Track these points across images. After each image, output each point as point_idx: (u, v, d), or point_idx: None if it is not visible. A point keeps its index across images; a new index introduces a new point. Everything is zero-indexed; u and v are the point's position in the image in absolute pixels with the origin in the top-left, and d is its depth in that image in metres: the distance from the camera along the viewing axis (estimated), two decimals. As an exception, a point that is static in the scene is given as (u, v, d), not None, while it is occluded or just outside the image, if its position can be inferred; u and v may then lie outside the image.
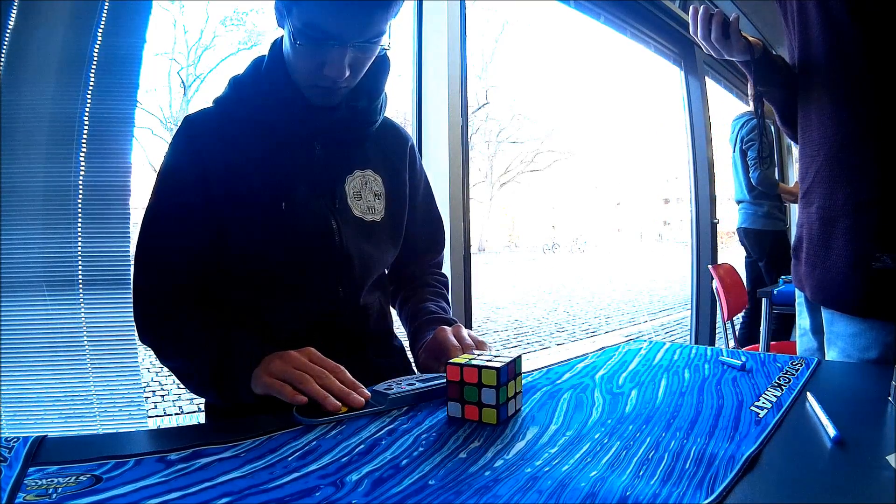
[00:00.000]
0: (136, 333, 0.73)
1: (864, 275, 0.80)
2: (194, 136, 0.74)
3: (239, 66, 0.78)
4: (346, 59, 0.66)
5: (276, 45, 0.75)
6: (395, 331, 0.88)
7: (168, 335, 0.70)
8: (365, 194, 0.78)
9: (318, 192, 0.74)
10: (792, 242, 0.96)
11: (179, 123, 0.76)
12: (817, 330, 0.95)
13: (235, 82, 0.76)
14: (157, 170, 0.75)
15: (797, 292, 0.99)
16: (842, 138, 0.83)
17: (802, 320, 1.00)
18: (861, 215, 0.81)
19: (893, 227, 0.78)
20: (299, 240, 0.73)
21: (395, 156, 0.84)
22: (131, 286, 0.73)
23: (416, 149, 0.90)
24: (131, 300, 0.72)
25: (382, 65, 0.76)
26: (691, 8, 0.91)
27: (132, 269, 0.74)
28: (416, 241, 0.88)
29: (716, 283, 2.25)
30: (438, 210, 0.94)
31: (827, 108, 0.85)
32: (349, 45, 0.65)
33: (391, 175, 0.82)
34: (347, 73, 0.67)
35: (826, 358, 0.89)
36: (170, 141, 0.75)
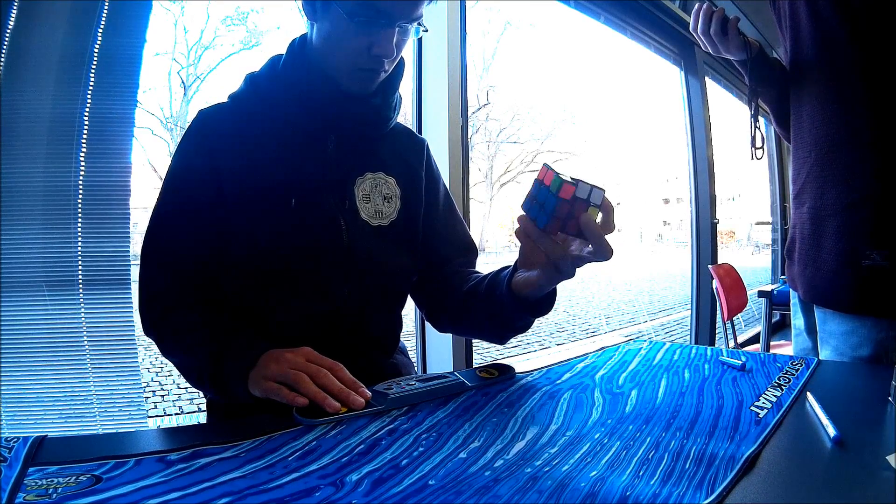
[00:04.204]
0: (137, 329, 0.73)
1: (854, 272, 0.80)
2: (207, 130, 0.74)
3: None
4: (393, 40, 0.69)
5: (295, 44, 0.76)
6: (402, 337, 0.87)
7: (170, 330, 0.71)
8: (374, 197, 0.77)
9: (329, 190, 0.74)
10: (786, 243, 0.97)
11: (194, 116, 0.76)
12: (811, 329, 0.95)
13: (252, 78, 0.76)
14: (168, 164, 0.75)
15: (791, 292, 0.99)
16: (832, 138, 0.83)
17: (797, 320, 1.01)
18: (851, 213, 0.81)
19: (883, 225, 0.78)
20: (307, 237, 0.72)
21: (411, 156, 0.83)
22: (136, 278, 0.73)
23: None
24: (132, 298, 0.72)
25: (397, 64, 0.77)
26: (696, 6, 0.92)
27: (139, 260, 0.74)
28: (445, 242, 0.84)
29: (716, 283, 2.25)
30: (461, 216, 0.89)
31: (817, 109, 0.85)
32: (397, 25, 0.68)
33: (407, 175, 0.81)
34: (395, 54, 0.70)
35: (819, 357, 0.89)
36: (183, 134, 0.75)
